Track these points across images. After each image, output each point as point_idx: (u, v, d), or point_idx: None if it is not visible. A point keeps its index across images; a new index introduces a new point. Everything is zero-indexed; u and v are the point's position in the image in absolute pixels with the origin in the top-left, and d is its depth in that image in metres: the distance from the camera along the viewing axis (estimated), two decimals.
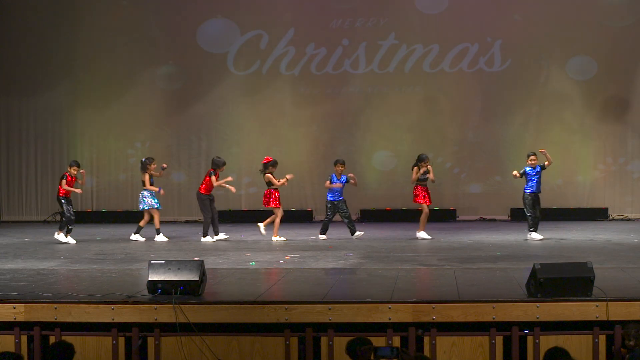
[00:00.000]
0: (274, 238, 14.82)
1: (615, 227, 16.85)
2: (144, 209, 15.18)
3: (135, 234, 15.14)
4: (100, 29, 19.55)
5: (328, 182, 15.11)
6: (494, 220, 18.77)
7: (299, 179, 19.01)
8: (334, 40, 19.30)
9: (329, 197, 15.15)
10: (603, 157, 19.08)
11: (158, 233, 15.09)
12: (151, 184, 15.17)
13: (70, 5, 19.70)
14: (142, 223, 15.18)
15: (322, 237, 14.99)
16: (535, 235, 14.47)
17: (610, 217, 18.72)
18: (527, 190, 14.59)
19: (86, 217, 19.31)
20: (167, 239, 15.01)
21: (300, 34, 19.38)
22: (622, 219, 18.61)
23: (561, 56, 19.01)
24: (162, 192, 15.32)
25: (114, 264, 11.67)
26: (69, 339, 8.00)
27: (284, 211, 18.62)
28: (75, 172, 14.97)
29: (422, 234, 14.85)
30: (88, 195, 19.76)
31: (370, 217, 18.91)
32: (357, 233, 15.01)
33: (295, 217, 18.67)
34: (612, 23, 18.88)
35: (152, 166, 15.23)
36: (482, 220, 18.82)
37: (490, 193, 19.08)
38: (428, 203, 15.00)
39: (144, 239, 15.06)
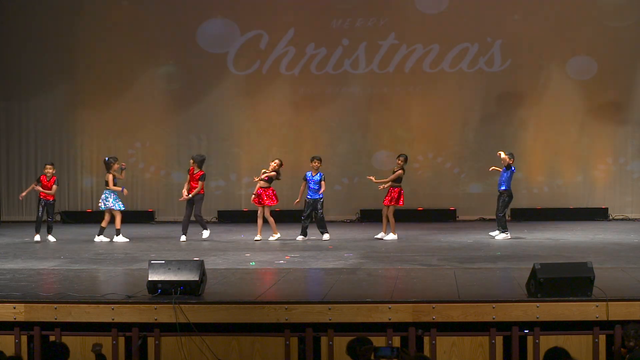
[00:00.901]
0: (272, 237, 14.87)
1: (615, 227, 16.85)
2: (103, 209, 15.03)
3: (98, 235, 14.93)
4: (100, 30, 19.56)
5: (304, 182, 14.90)
6: (494, 220, 18.71)
7: (299, 179, 19.00)
8: (334, 40, 19.31)
9: (308, 195, 14.89)
10: (603, 157, 19.08)
11: (118, 234, 14.93)
12: (114, 184, 14.99)
13: (71, 6, 19.69)
14: (103, 224, 14.95)
15: (300, 238, 14.79)
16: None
17: (610, 217, 18.72)
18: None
19: (86, 217, 19.33)
20: (127, 240, 14.87)
21: (300, 34, 19.38)
22: (622, 219, 18.62)
23: (561, 56, 19.01)
24: (125, 191, 15.13)
25: (114, 264, 11.67)
26: (69, 339, 8.01)
27: (286, 211, 18.72)
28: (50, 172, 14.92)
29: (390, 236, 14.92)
30: (88, 195, 19.78)
31: (370, 217, 18.87)
32: (326, 235, 14.79)
33: (295, 217, 18.64)
34: (612, 23, 18.88)
35: (115, 166, 15.02)
36: (482, 220, 18.81)
37: (490, 193, 19.02)
38: (386, 204, 14.91)
39: (108, 240, 14.89)
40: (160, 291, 8.33)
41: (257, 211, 15.05)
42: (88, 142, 19.80)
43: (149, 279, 8.39)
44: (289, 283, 9.66)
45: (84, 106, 19.73)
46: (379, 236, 14.92)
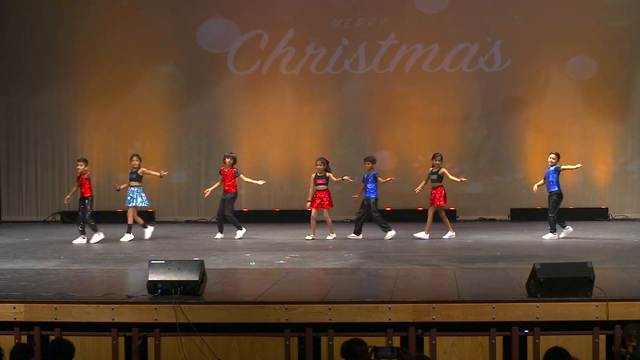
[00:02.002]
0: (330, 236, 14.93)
1: (615, 227, 16.85)
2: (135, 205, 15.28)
3: (145, 229, 15.31)
4: (100, 29, 19.55)
5: (380, 178, 14.98)
6: (494, 220, 18.77)
7: (299, 179, 19.01)
8: (334, 40, 19.30)
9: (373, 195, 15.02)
10: (603, 157, 19.08)
11: (129, 231, 15.16)
12: (133, 179, 15.25)
13: (71, 5, 19.69)
14: (139, 220, 15.30)
15: (392, 233, 14.83)
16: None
17: (610, 217, 18.72)
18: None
19: None
20: (131, 238, 15.01)
21: (300, 34, 19.38)
22: (622, 219, 18.61)
23: (561, 56, 19.01)
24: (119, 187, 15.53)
25: (114, 264, 11.67)
26: (68, 339, 7.99)
27: (286, 211, 18.69)
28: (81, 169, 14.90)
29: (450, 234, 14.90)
30: None
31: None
32: (390, 234, 14.77)
33: (296, 217, 18.69)
34: (612, 23, 18.88)
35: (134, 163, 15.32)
36: (482, 220, 18.80)
37: (490, 193, 19.08)
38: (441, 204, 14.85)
39: (152, 227, 15.42)
40: (160, 291, 8.34)
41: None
42: (88, 141, 19.80)
43: (149, 279, 8.40)
44: (289, 283, 9.66)
45: (84, 106, 19.72)
46: (420, 236, 14.76)
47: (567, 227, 14.62)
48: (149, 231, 15.30)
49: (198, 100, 19.65)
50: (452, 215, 18.87)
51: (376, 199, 14.95)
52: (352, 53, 19.31)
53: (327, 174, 15.05)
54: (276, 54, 19.44)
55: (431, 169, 15.11)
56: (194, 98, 19.64)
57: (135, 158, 15.38)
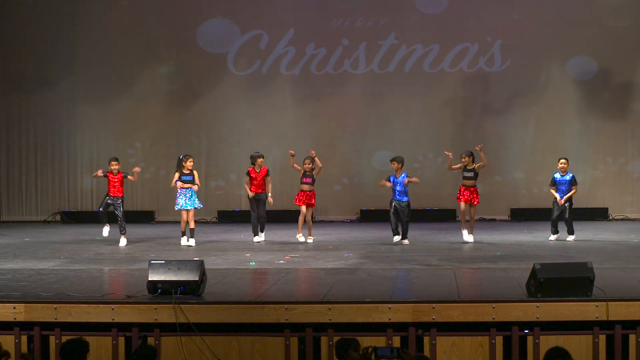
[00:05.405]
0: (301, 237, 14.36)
1: (615, 227, 16.85)
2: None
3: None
4: (100, 29, 19.55)
5: (383, 180, 14.12)
6: (494, 220, 18.76)
7: (298, 178, 19.00)
8: (334, 40, 19.30)
9: (395, 197, 14.10)
10: (603, 157, 19.08)
11: (183, 235, 14.49)
12: (189, 181, 14.47)
13: (71, 5, 19.68)
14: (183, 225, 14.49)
15: (396, 238, 14.04)
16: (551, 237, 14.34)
17: (610, 217, 18.72)
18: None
19: (86, 217, 19.31)
20: (190, 244, 14.27)
21: (300, 34, 19.38)
22: (622, 219, 18.61)
23: (561, 56, 19.01)
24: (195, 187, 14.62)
25: (114, 264, 11.68)
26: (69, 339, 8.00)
27: (286, 211, 18.66)
28: (114, 168, 14.42)
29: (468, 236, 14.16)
30: (88, 195, 19.77)
31: (370, 217, 18.88)
32: (397, 237, 13.91)
33: (295, 217, 18.65)
34: (612, 23, 18.88)
35: (187, 163, 14.43)
36: (482, 220, 18.79)
37: (490, 193, 19.04)
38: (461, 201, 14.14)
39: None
40: (160, 291, 8.34)
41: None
42: (88, 142, 19.79)
43: (149, 279, 8.41)
44: (289, 283, 9.66)
45: (84, 106, 19.72)
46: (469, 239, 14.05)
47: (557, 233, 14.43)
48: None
49: (198, 100, 19.65)
50: (451, 215, 18.93)
51: (409, 202, 14.11)
52: (352, 53, 19.31)
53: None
54: (276, 54, 19.44)
55: (464, 165, 14.29)
56: (193, 98, 19.64)
57: (190, 159, 14.53)
